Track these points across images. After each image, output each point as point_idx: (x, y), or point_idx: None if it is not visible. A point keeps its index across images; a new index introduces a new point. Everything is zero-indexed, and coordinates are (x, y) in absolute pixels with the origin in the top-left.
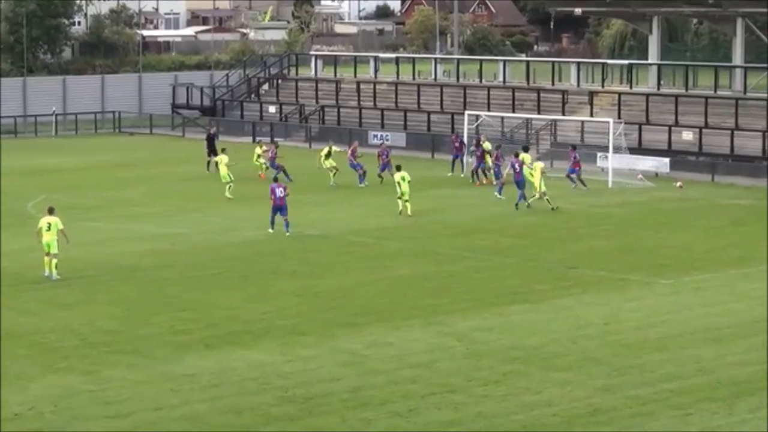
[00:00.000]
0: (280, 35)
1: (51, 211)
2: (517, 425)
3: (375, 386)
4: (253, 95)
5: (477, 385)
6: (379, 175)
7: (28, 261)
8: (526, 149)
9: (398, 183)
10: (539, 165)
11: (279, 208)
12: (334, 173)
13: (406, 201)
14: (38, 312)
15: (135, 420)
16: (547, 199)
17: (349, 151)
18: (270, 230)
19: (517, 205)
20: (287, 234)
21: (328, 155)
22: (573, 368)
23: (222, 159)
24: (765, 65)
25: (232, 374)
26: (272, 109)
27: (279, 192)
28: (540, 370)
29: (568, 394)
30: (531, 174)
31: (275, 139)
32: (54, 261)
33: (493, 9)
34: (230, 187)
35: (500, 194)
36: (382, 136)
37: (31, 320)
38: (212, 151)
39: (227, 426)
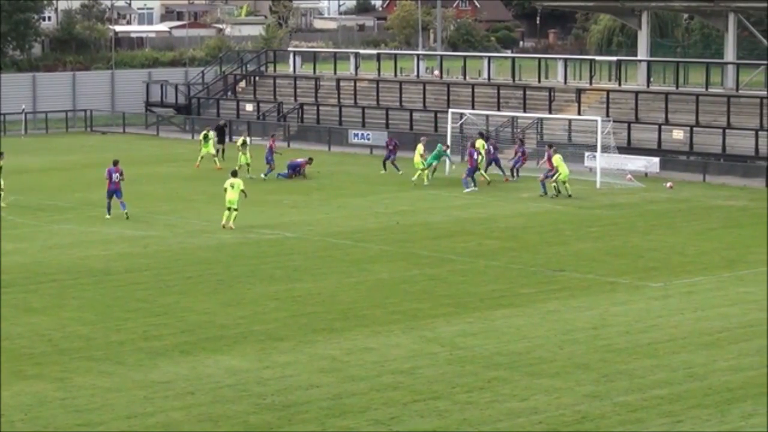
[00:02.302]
0: (257, 31)
1: None
2: None
3: (356, 393)
4: (229, 93)
5: (461, 392)
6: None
7: None
8: (482, 135)
9: (225, 189)
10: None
11: (114, 191)
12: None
13: (235, 210)
14: (7, 317)
15: (107, 429)
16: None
17: (268, 145)
18: (107, 216)
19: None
20: (126, 215)
21: (244, 144)
22: (560, 374)
23: None
24: (758, 62)
25: (207, 381)
26: (249, 107)
27: (115, 177)
28: (526, 377)
29: (554, 401)
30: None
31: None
32: None
33: (477, 4)
34: None
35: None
36: (363, 134)
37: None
38: (222, 141)
39: None
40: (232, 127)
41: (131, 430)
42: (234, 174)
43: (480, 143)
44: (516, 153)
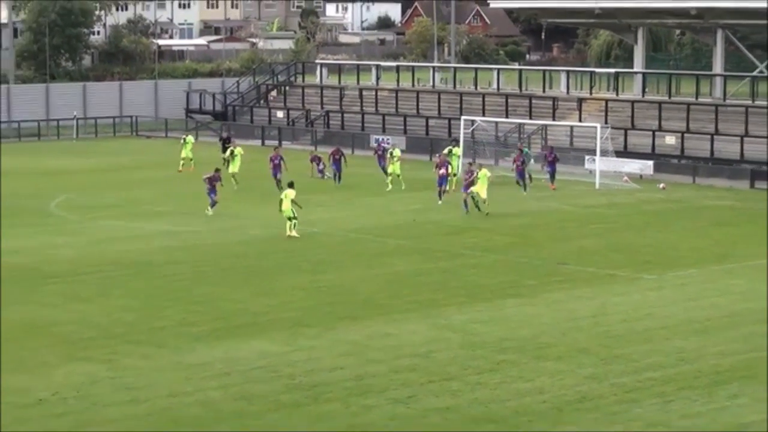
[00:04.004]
0: (287, 44)
1: None
2: (510, 411)
3: (376, 375)
4: (262, 101)
5: (472, 374)
6: (277, 184)
7: (48, 257)
8: (456, 142)
9: (281, 200)
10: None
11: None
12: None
13: (293, 219)
14: (58, 305)
15: (151, 405)
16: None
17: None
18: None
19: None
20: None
21: (231, 153)
22: (563, 358)
23: None
24: (743, 74)
25: (241, 363)
26: (280, 114)
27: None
28: (532, 360)
29: (558, 382)
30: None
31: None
32: None
33: (487, 20)
34: None
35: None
36: (383, 139)
37: (52, 312)
38: (225, 151)
39: (239, 412)
40: (264, 133)
41: (173, 406)
42: (290, 185)
43: (456, 151)
44: (546, 158)
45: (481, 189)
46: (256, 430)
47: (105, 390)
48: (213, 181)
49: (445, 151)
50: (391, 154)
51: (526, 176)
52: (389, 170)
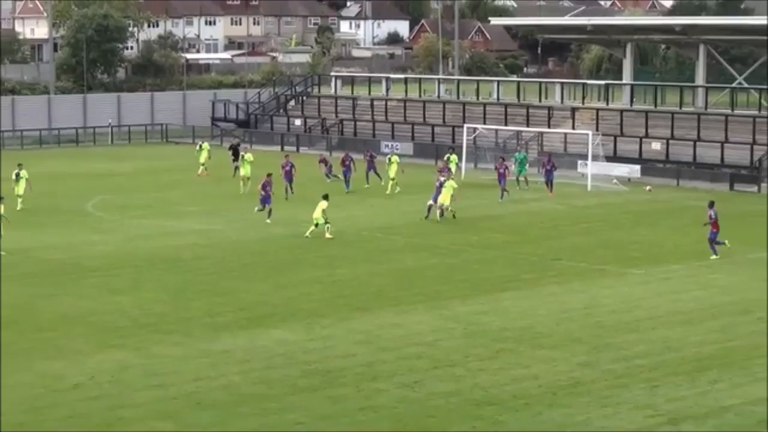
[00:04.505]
0: (304, 58)
1: None
2: (508, 395)
3: (385, 361)
4: (281, 110)
5: (474, 361)
6: (286, 190)
7: (85, 252)
8: (453, 150)
9: (315, 208)
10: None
11: (264, 199)
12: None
13: (325, 224)
14: (94, 297)
15: (178, 390)
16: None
17: (340, 160)
18: (260, 211)
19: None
20: (266, 211)
21: (242, 159)
22: (557, 346)
23: None
24: (723, 85)
25: (262, 351)
26: (298, 122)
27: (268, 189)
28: (528, 348)
29: (552, 368)
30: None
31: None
32: None
33: (488, 36)
34: None
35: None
36: (392, 145)
37: (89, 304)
38: (236, 159)
39: (259, 395)
40: (283, 139)
41: (198, 390)
42: (324, 197)
43: (453, 158)
44: (544, 165)
45: (445, 197)
46: (275, 412)
47: (136, 375)
48: (266, 187)
49: (445, 158)
50: (390, 159)
51: (504, 183)
52: (389, 174)
